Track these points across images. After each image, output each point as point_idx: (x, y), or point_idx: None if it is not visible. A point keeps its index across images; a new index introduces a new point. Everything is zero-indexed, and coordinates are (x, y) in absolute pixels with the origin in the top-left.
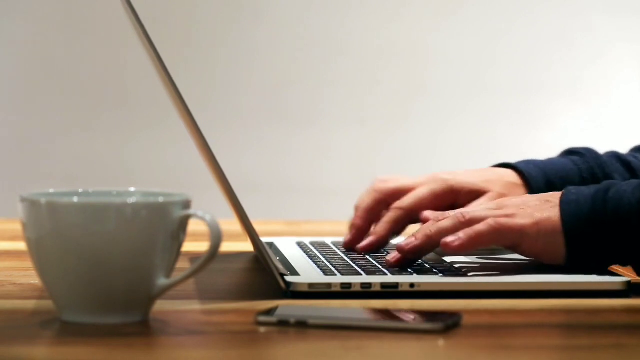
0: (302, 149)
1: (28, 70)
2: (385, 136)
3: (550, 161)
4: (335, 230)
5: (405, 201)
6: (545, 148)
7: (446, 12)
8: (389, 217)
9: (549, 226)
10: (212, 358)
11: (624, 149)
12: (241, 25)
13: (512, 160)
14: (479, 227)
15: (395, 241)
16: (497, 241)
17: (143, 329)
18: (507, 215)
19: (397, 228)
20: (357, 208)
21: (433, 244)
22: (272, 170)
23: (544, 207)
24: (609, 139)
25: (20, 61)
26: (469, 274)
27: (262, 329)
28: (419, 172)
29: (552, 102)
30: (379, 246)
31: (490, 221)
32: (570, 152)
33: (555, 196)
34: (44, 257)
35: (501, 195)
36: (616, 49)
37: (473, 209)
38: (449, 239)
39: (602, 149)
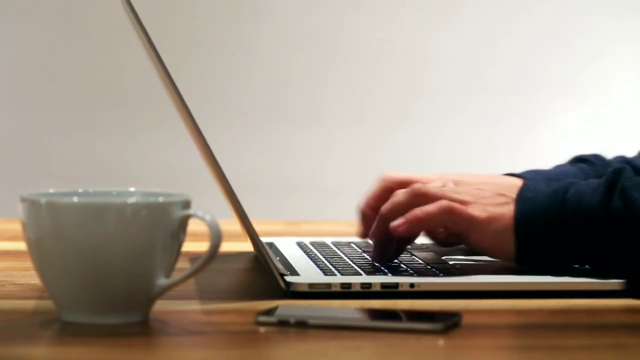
0: (302, 149)
1: (28, 70)
2: (385, 136)
3: (558, 170)
4: (335, 230)
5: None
6: (545, 148)
7: (446, 12)
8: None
9: (500, 222)
10: (212, 358)
11: (624, 149)
12: (241, 25)
13: (515, 160)
14: (428, 208)
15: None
16: (445, 224)
17: (143, 329)
18: (461, 202)
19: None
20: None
21: (389, 220)
22: (272, 170)
23: (499, 202)
24: (609, 139)
25: (20, 61)
26: (469, 274)
27: (262, 329)
28: (420, 172)
29: (552, 102)
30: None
31: (442, 202)
32: (579, 160)
33: (511, 190)
34: (44, 257)
35: None
36: (616, 49)
37: (429, 185)
38: (396, 222)
39: (602, 149)
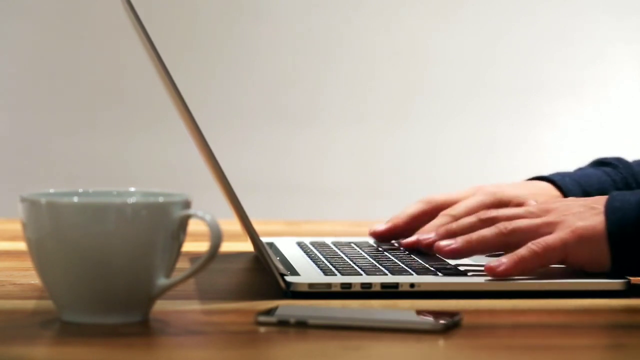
0: (302, 149)
1: (28, 70)
2: (385, 136)
3: (583, 173)
4: (335, 230)
5: (456, 209)
6: (545, 148)
7: (446, 12)
8: (438, 221)
9: (592, 235)
10: (212, 358)
11: (624, 149)
12: (241, 25)
13: (515, 160)
14: (522, 252)
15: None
16: (543, 265)
17: (143, 329)
18: (549, 225)
19: (444, 235)
20: (399, 215)
21: (472, 252)
22: (272, 170)
23: (588, 215)
24: (609, 139)
25: (20, 61)
26: (469, 274)
27: (262, 329)
28: (419, 172)
29: (552, 102)
30: (424, 248)
31: (532, 247)
32: (600, 163)
33: (599, 202)
34: (44, 257)
35: None
36: (616, 49)
37: (513, 213)
38: (494, 263)
39: (603, 150)
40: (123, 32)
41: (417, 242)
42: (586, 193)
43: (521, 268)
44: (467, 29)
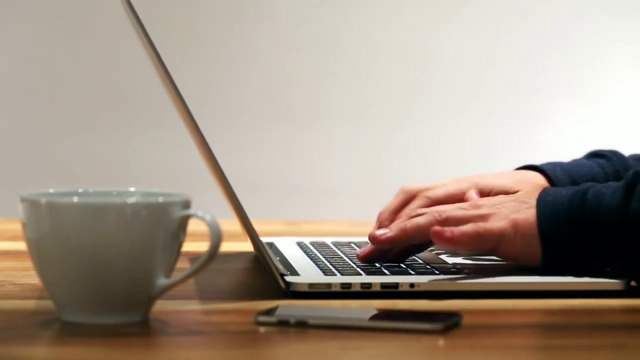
0: (302, 149)
1: (28, 70)
2: (386, 136)
3: (576, 163)
4: (335, 230)
5: (435, 192)
6: (545, 148)
7: (447, 12)
8: (415, 204)
9: (526, 228)
10: (212, 358)
11: (624, 148)
12: (241, 25)
13: (515, 160)
14: (459, 235)
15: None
16: (476, 247)
17: (143, 329)
18: (482, 217)
19: None
20: (382, 212)
21: (407, 239)
22: (272, 170)
23: (520, 208)
24: (609, 138)
25: (20, 61)
26: (469, 274)
27: (262, 329)
28: (419, 172)
29: (552, 102)
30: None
31: (470, 226)
32: (596, 155)
33: (531, 196)
34: (44, 257)
35: None
36: (616, 49)
37: (447, 208)
38: (443, 235)
39: (602, 148)
40: (123, 32)
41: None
42: (575, 183)
43: (461, 242)
44: (468, 29)
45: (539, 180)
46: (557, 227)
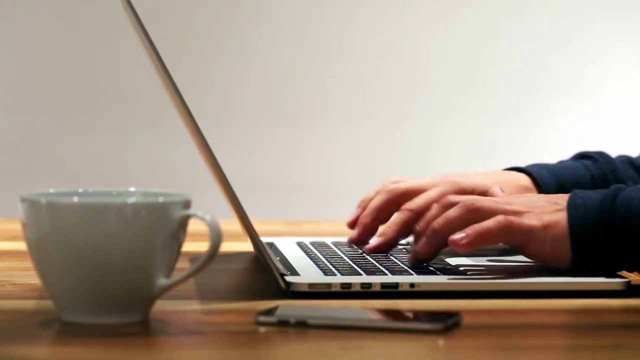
0: (302, 149)
1: (28, 70)
2: (385, 136)
3: (562, 165)
4: (335, 230)
5: (416, 202)
6: (545, 148)
7: (447, 12)
8: (398, 218)
9: (556, 230)
10: (212, 358)
11: (623, 148)
12: (241, 25)
13: (515, 160)
14: (488, 223)
15: (404, 241)
16: (505, 240)
17: (143, 329)
18: (515, 213)
19: (406, 230)
20: (364, 206)
21: (443, 237)
22: (272, 170)
23: (552, 209)
24: (609, 138)
25: (20, 61)
26: (469, 274)
27: (262, 329)
28: (420, 172)
29: (552, 102)
30: (387, 248)
31: (499, 218)
32: (582, 156)
33: (562, 198)
34: (44, 257)
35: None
36: (616, 49)
37: (479, 198)
38: (457, 236)
39: (602, 148)
40: (123, 32)
41: (380, 247)
42: (561, 185)
43: (485, 240)
44: (468, 29)
45: (523, 181)
46: (588, 230)
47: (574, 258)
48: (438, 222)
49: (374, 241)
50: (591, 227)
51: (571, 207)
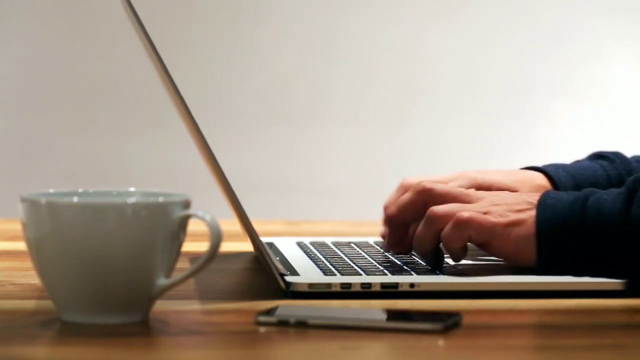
0: (302, 149)
1: (28, 70)
2: (385, 136)
3: (579, 165)
4: (336, 230)
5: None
6: (545, 148)
7: (446, 12)
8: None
9: (522, 228)
10: (212, 358)
11: (624, 148)
12: (241, 25)
13: (513, 161)
14: (448, 228)
15: None
16: (468, 236)
17: (143, 329)
18: (480, 212)
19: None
20: (387, 206)
21: (398, 222)
22: (272, 170)
23: (520, 208)
24: (609, 138)
25: (20, 61)
26: (469, 274)
27: (262, 329)
28: (419, 172)
29: (552, 102)
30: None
31: (459, 216)
32: (599, 156)
33: (533, 197)
34: (44, 257)
35: None
36: (616, 49)
37: (447, 189)
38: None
39: (602, 148)
40: (123, 32)
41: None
42: (578, 185)
43: (447, 242)
44: (467, 29)
45: (540, 180)
46: (555, 231)
47: (538, 258)
48: (391, 209)
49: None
50: (559, 228)
51: (540, 206)
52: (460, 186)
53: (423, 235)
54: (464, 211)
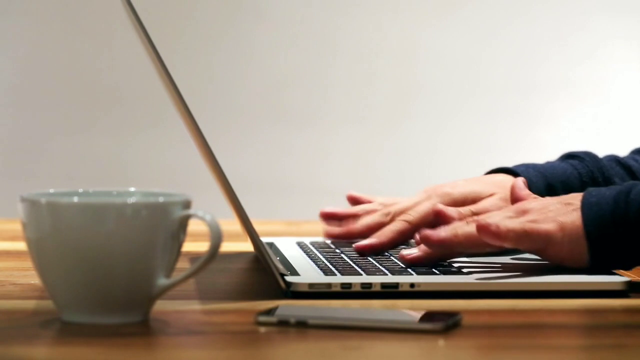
0: (301, 149)
1: (28, 70)
2: (385, 136)
3: (549, 165)
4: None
5: (412, 215)
6: (545, 148)
7: (445, 11)
8: (395, 226)
9: (573, 230)
10: (212, 358)
11: (623, 148)
12: (241, 25)
13: (512, 161)
14: (507, 235)
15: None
16: (523, 246)
17: (143, 329)
18: (531, 221)
19: (402, 240)
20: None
21: (458, 246)
22: (272, 170)
23: (566, 211)
24: (609, 138)
25: (20, 61)
26: (469, 274)
27: (262, 329)
28: (419, 171)
29: (551, 102)
30: (377, 251)
31: (517, 223)
32: (569, 156)
33: (575, 198)
34: (44, 257)
35: (505, 199)
36: (615, 48)
37: (493, 214)
38: (489, 229)
39: (601, 148)
40: (123, 32)
41: (371, 246)
42: (550, 185)
43: (508, 237)
44: (466, 28)
45: (510, 183)
46: (603, 228)
47: (591, 257)
48: (457, 232)
49: (367, 240)
50: (606, 224)
51: (585, 206)
52: (435, 203)
53: (471, 238)
54: (516, 222)
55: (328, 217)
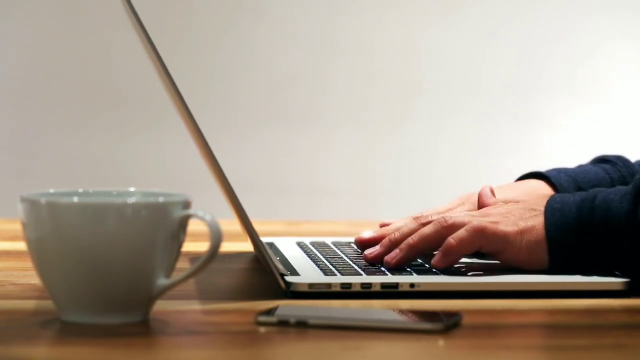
0: (301, 149)
1: (28, 70)
2: (384, 136)
3: (581, 169)
4: (335, 230)
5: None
6: (545, 148)
7: (446, 12)
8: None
9: (532, 235)
10: (212, 358)
11: (623, 148)
12: (241, 25)
13: (512, 161)
14: (461, 234)
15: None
16: (480, 245)
17: (143, 329)
18: (491, 222)
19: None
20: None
21: (417, 252)
22: (272, 170)
23: (528, 215)
24: (609, 138)
25: (20, 61)
26: (469, 274)
27: (262, 329)
28: (418, 172)
29: (551, 102)
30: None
31: (473, 224)
32: (601, 160)
33: (540, 204)
34: (44, 257)
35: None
36: (615, 48)
37: (454, 214)
38: (435, 259)
39: (601, 148)
40: (123, 32)
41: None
42: (581, 189)
43: (459, 251)
44: (466, 29)
45: (543, 190)
46: (565, 234)
47: (551, 262)
48: (413, 239)
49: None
50: (569, 230)
51: (548, 211)
52: (468, 210)
53: (428, 239)
54: (476, 219)
55: (364, 244)
